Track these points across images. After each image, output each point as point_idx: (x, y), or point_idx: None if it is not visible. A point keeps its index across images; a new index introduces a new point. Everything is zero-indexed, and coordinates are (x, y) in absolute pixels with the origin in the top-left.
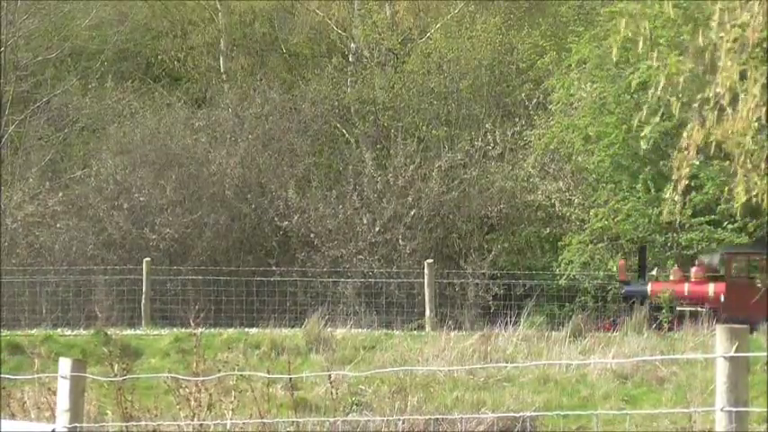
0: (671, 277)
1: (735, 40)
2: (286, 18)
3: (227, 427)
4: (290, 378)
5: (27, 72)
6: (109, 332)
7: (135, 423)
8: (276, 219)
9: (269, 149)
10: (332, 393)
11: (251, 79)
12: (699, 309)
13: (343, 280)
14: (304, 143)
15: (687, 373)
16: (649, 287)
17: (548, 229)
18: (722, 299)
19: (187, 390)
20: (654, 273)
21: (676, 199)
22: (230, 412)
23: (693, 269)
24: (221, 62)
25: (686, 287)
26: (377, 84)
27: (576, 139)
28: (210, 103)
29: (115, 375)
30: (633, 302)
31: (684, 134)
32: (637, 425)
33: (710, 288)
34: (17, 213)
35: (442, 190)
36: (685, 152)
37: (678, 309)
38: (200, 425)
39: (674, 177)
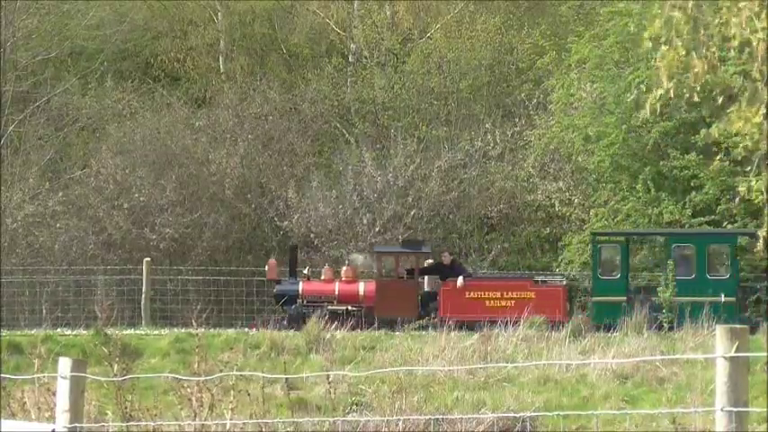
0: (323, 276)
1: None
2: (286, 18)
3: (228, 428)
4: (286, 378)
5: (27, 72)
6: (109, 332)
7: (135, 423)
8: (276, 219)
9: (269, 149)
10: (330, 393)
11: (251, 79)
12: (350, 308)
13: None
14: (304, 143)
15: (687, 373)
16: (300, 286)
17: (548, 229)
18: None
19: (188, 390)
20: (306, 272)
21: (651, 102)
22: (230, 412)
23: (344, 269)
24: (221, 62)
25: (337, 286)
26: (377, 84)
27: (576, 139)
28: (210, 103)
29: (115, 375)
30: (284, 301)
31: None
32: (637, 425)
33: (361, 287)
34: (17, 213)
35: (442, 190)
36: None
37: (329, 308)
38: (202, 425)
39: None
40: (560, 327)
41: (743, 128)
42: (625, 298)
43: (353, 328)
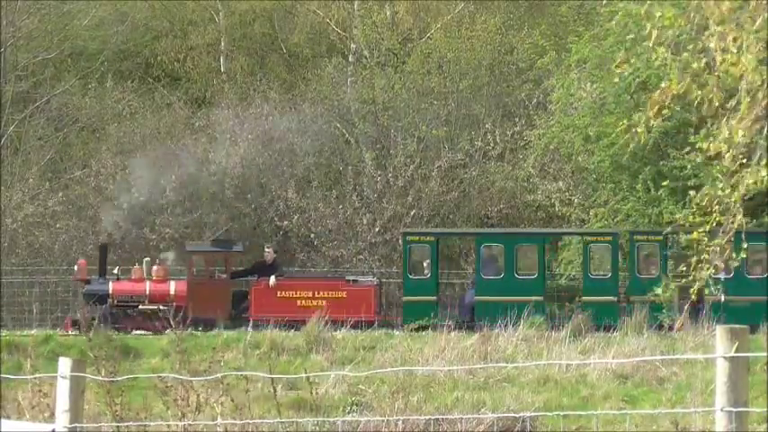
0: (132, 276)
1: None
2: (286, 18)
3: (220, 428)
4: (272, 379)
5: (27, 72)
6: (108, 332)
7: (132, 423)
8: (276, 219)
9: (269, 149)
10: (313, 394)
11: (251, 79)
12: (161, 307)
13: None
14: (304, 143)
15: (687, 373)
16: (111, 286)
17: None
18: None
19: (176, 391)
20: (116, 271)
21: (639, 130)
22: (220, 407)
23: (154, 267)
24: (221, 62)
25: (148, 286)
26: (377, 84)
27: (576, 139)
28: (210, 103)
29: (103, 377)
30: (94, 301)
31: (663, 84)
32: (637, 425)
33: (172, 286)
34: (17, 213)
35: (442, 190)
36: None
37: (140, 308)
38: (191, 425)
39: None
40: (371, 326)
41: (732, 139)
42: (435, 298)
43: (164, 329)
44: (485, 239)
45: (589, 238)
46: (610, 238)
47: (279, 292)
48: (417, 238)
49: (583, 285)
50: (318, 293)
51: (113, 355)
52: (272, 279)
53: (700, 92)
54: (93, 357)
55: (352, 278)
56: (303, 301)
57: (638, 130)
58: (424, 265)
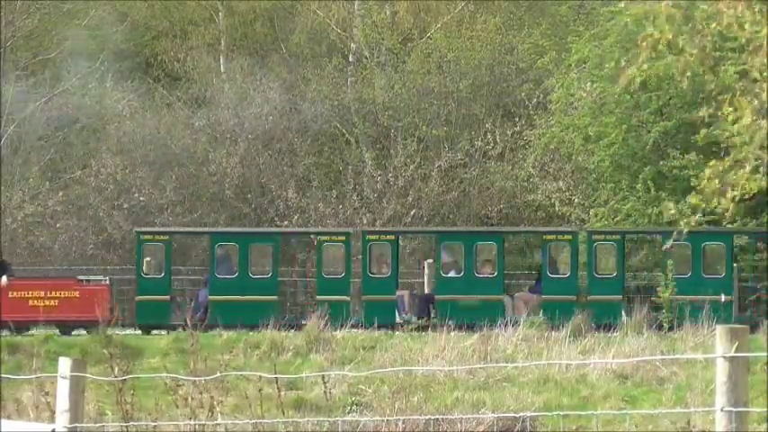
0: None
1: None
2: (286, 18)
3: (227, 427)
4: (276, 379)
5: (27, 72)
6: (109, 332)
7: (135, 423)
8: (276, 219)
9: (269, 149)
10: (326, 394)
11: (251, 79)
12: None
13: None
14: (304, 143)
15: (687, 373)
16: None
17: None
18: None
19: (184, 390)
20: None
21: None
22: (221, 406)
23: None
24: (221, 62)
25: None
26: (377, 84)
27: (576, 139)
28: (210, 103)
29: (115, 376)
30: None
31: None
32: (637, 425)
33: None
34: (17, 213)
35: (442, 190)
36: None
37: None
38: (201, 426)
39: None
40: (98, 326)
41: (741, 119)
42: (169, 297)
43: None
44: (219, 238)
45: (323, 238)
46: (343, 237)
47: (10, 293)
48: (151, 236)
49: (317, 284)
50: (50, 293)
51: (125, 354)
52: (4, 279)
53: (686, 61)
54: (108, 355)
55: (84, 278)
56: (35, 301)
57: (631, 70)
58: (159, 264)
